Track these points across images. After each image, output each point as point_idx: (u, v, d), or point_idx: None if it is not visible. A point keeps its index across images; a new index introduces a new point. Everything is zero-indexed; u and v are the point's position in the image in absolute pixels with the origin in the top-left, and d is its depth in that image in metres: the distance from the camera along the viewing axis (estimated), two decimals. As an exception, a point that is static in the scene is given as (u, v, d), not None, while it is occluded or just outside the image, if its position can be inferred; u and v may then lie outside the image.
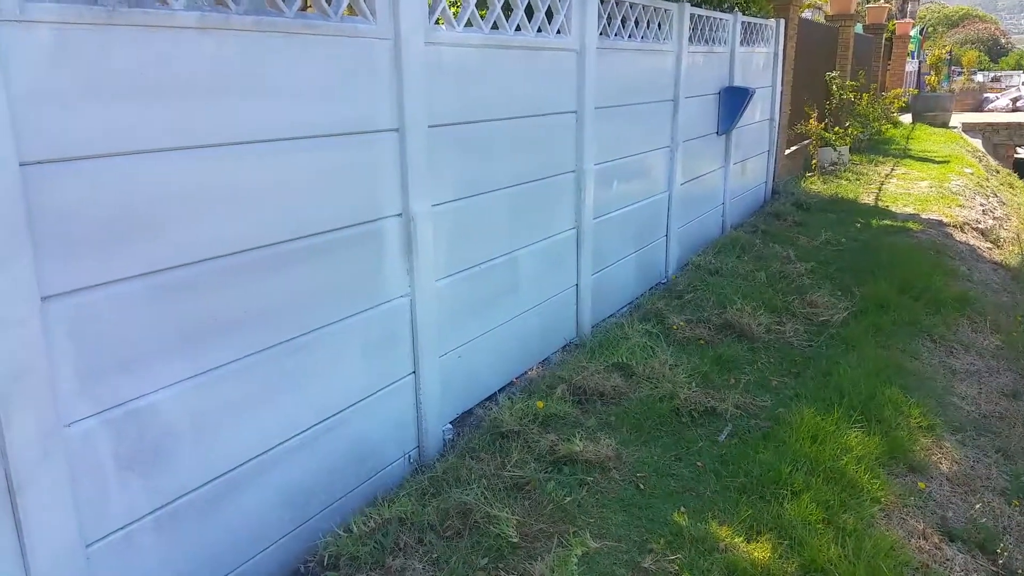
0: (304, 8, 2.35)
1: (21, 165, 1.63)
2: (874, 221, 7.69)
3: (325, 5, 2.36)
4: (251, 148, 2.17)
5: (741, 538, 2.65)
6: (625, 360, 3.91)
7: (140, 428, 1.95)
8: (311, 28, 2.30)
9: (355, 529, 2.50)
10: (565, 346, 4.22)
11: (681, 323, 4.53)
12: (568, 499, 2.78)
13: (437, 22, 2.90)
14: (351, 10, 2.51)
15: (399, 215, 2.78)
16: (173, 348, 2.02)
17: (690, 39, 5.35)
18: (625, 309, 4.90)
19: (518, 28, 3.38)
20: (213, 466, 2.17)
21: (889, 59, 19.67)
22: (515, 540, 2.52)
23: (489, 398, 3.55)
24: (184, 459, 2.08)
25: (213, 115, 2.05)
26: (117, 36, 1.79)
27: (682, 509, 2.80)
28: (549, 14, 3.64)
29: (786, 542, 2.64)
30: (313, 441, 2.51)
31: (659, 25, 4.90)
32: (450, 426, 3.26)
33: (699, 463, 3.13)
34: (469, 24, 3.07)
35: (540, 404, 3.34)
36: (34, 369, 1.69)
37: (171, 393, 2.02)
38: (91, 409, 1.84)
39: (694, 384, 3.71)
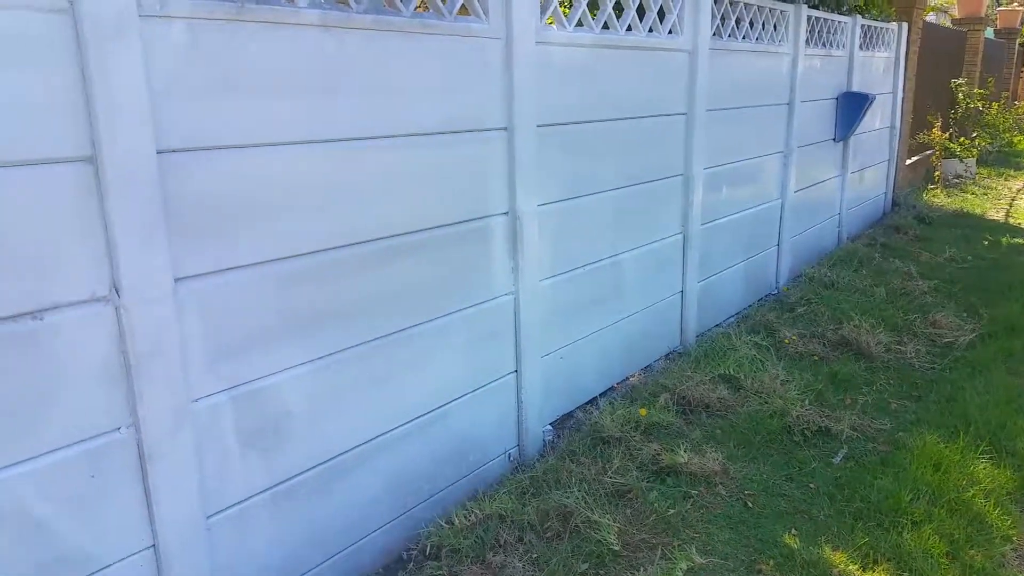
0: (418, 7, 2.41)
1: (158, 153, 1.73)
2: (1004, 239, 7.19)
3: (440, 4, 2.41)
4: (367, 144, 2.24)
5: (856, 566, 2.51)
6: (732, 372, 3.80)
7: (260, 408, 2.04)
8: (426, 27, 2.36)
9: (456, 522, 2.52)
10: (668, 354, 4.14)
11: (793, 337, 4.37)
12: (672, 511, 2.71)
13: (548, 22, 2.92)
14: (464, 10, 2.55)
15: (506, 213, 2.80)
16: (291, 333, 2.10)
17: (807, 41, 5.18)
18: (732, 319, 4.76)
19: (629, 28, 3.36)
20: (325, 449, 2.24)
21: (1023, 66, 18.45)
22: (616, 548, 2.48)
23: (589, 402, 3.51)
24: (299, 440, 2.15)
25: (331, 111, 2.12)
26: (245, 32, 1.89)
27: (793, 531, 2.69)
28: (661, 14, 3.60)
29: (905, 574, 2.49)
30: (418, 431, 2.55)
31: (774, 27, 4.76)
32: (550, 427, 3.25)
33: (812, 484, 2.99)
34: (580, 24, 3.08)
35: (643, 411, 3.28)
36: (167, 346, 1.79)
37: (289, 376, 2.10)
38: (216, 387, 1.93)
39: (807, 402, 3.56)
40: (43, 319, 1.60)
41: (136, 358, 1.73)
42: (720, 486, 2.92)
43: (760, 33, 4.60)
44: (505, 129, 2.73)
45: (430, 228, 2.50)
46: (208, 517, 1.95)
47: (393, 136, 2.32)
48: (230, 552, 2.01)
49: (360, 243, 2.26)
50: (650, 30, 3.51)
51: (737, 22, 4.33)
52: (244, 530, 2.05)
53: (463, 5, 2.51)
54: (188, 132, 1.80)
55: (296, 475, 2.16)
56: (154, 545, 1.84)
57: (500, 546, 2.45)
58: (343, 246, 2.21)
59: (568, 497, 2.65)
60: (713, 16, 3.97)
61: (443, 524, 2.52)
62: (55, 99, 1.55)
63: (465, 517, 2.54)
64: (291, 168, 2.05)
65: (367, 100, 2.22)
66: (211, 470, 1.94)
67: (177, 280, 1.81)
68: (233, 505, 2.01)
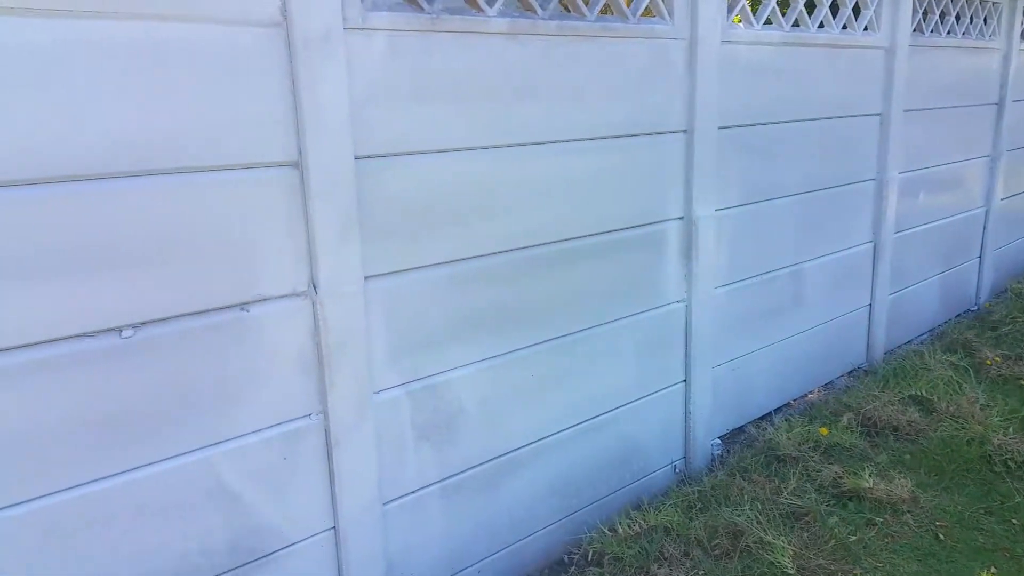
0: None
1: (356, 158, 1.83)
2: None
3: (624, 7, 2.39)
4: (548, 148, 2.26)
5: (1069, 612, 2.24)
6: (924, 393, 3.50)
7: (436, 403, 2.11)
8: (609, 31, 2.34)
9: (620, 530, 2.49)
10: (852, 371, 3.88)
11: (996, 358, 3.96)
12: (853, 538, 2.53)
13: (734, 20, 2.82)
14: (648, 11, 2.51)
15: (681, 218, 2.73)
16: (467, 332, 2.16)
17: (1023, 35, 4.68)
18: (925, 336, 4.39)
19: (820, 25, 3.17)
20: (494, 446, 2.28)
21: None
22: (791, 572, 2.35)
23: (762, 417, 3.36)
24: (470, 436, 2.21)
25: (514, 116, 2.16)
26: (437, 42, 1.95)
27: (992, 569, 2.43)
28: (856, 10, 3.37)
29: None
30: (583, 435, 2.55)
31: (984, 20, 4.33)
32: (719, 441, 3.14)
33: (1015, 520, 2.70)
34: (768, 22, 2.94)
35: (823, 431, 3.10)
36: (355, 340, 1.89)
37: (463, 373, 2.16)
38: (397, 380, 2.02)
39: (1011, 429, 3.21)
40: (249, 311, 1.74)
41: (328, 350, 1.84)
42: (908, 515, 2.70)
43: (968, 27, 4.20)
44: (685, 131, 2.66)
45: (604, 232, 2.48)
46: (384, 504, 2.04)
47: (571, 140, 2.32)
48: (402, 539, 2.10)
49: (536, 246, 2.29)
50: (843, 27, 3.30)
51: (941, 16, 3.98)
52: (416, 519, 2.13)
53: (647, 7, 2.48)
54: (382, 138, 1.89)
55: (466, 470, 2.22)
56: (335, 527, 1.95)
57: (665, 559, 2.39)
58: (520, 248, 2.24)
59: (739, 515, 2.55)
60: (914, 11, 3.67)
61: (606, 531, 2.50)
62: (267, 107, 1.68)
63: (629, 526, 2.50)
64: (474, 172, 2.10)
65: (548, 105, 2.23)
66: (388, 459, 2.03)
67: (367, 278, 1.90)
68: (407, 494, 2.09)
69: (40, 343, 1.46)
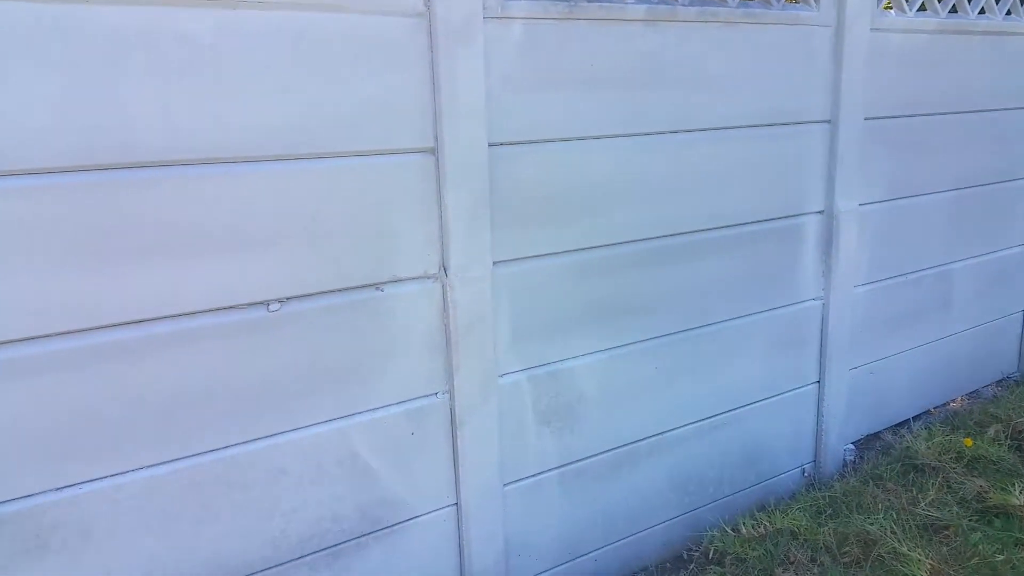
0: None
1: (489, 146, 1.87)
2: None
3: (767, -8, 2.31)
4: (682, 136, 2.22)
5: None
6: (1087, 408, 3.20)
7: (557, 389, 2.13)
8: (751, 17, 2.27)
9: (743, 530, 2.43)
10: (1001, 380, 3.60)
11: None
12: (999, 557, 2.36)
13: (884, 7, 2.66)
14: (792, -3, 2.42)
15: (820, 212, 2.62)
16: (590, 321, 2.16)
17: None
18: (1090, 348, 4.01)
19: (982, 11, 2.95)
20: (614, 436, 2.28)
21: None
22: (927, 586, 2.22)
23: (900, 424, 3.18)
24: (590, 425, 2.21)
25: (648, 104, 2.13)
26: (573, 30, 1.96)
27: None
28: (1025, -8, 3.11)
29: None
30: (707, 432, 2.49)
31: None
32: (851, 446, 3.00)
33: None
34: (923, 8, 2.76)
35: (968, 442, 2.89)
36: (482, 324, 1.93)
37: (585, 362, 2.17)
38: (519, 365, 2.05)
39: None
40: (383, 291, 1.81)
41: (456, 332, 1.89)
42: (1064, 540, 2.49)
43: None
44: (828, 122, 2.54)
45: (737, 225, 2.41)
46: (504, 485, 2.08)
47: (707, 129, 2.27)
48: (521, 521, 2.14)
49: (666, 236, 2.26)
50: (1008, 12, 3.05)
51: None
52: (535, 503, 2.16)
53: (791, -8, 2.38)
54: (515, 126, 1.91)
55: (585, 458, 2.23)
56: (457, 504, 2.01)
57: (791, 563, 2.31)
58: (649, 239, 2.22)
59: (872, 523, 2.43)
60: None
61: (728, 530, 2.45)
62: (407, 95, 1.74)
63: (753, 527, 2.44)
64: (605, 160, 2.09)
65: (683, 93, 2.19)
66: (509, 442, 2.07)
67: (495, 263, 1.94)
68: (527, 478, 2.13)
69: (197, 312, 1.58)
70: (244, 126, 1.55)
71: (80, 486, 1.51)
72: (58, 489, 1.49)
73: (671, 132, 2.20)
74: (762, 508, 2.61)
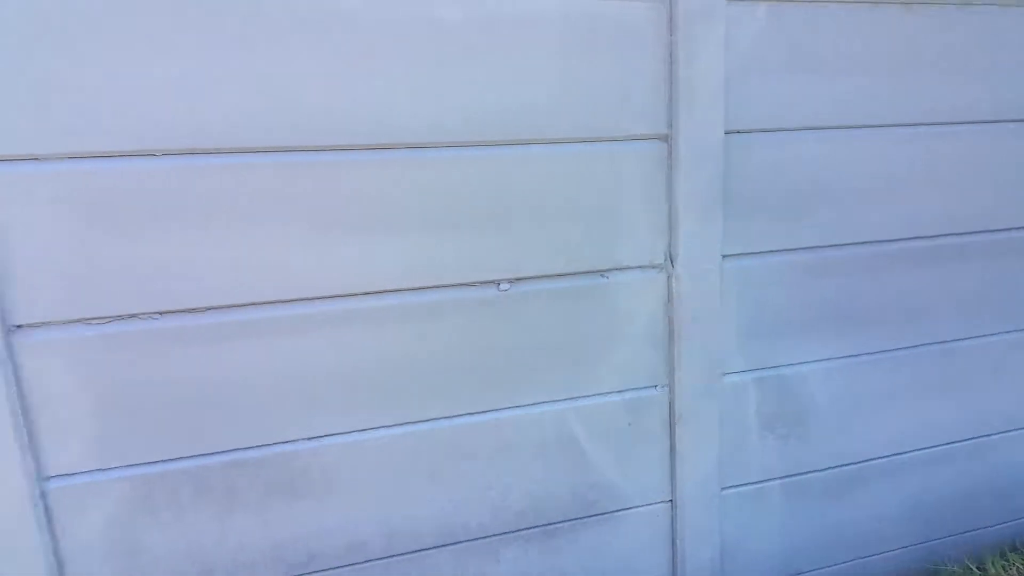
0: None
1: (725, 133, 1.81)
2: None
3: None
4: (939, 129, 2.02)
5: None
6: None
7: (783, 395, 2.02)
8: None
9: (991, 570, 2.17)
10: None
11: None
12: None
13: None
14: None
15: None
16: (823, 325, 2.02)
17: None
18: None
19: None
20: (846, 451, 2.12)
21: None
22: None
23: None
24: (819, 436, 2.08)
25: (902, 93, 1.96)
26: (822, 14, 1.85)
27: None
28: None
29: None
30: (949, 458, 2.25)
31: None
32: None
33: None
34: None
35: None
36: (707, 319, 1.88)
37: (815, 368, 2.04)
38: (744, 365, 1.97)
39: None
40: (607, 278, 1.81)
41: (679, 326, 1.85)
42: None
43: None
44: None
45: (1002, 230, 2.16)
46: (723, 489, 2.00)
47: (970, 123, 2.05)
48: (738, 527, 2.05)
49: (916, 239, 2.06)
50: None
51: None
52: (754, 510, 2.06)
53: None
54: (754, 114, 1.84)
55: (812, 471, 2.09)
56: (672, 500, 1.96)
57: (1047, 616, 2.03)
58: (896, 240, 2.05)
59: None
60: None
61: (973, 568, 2.19)
62: (643, 81, 1.73)
63: (1004, 568, 2.16)
64: (851, 153, 1.96)
65: (941, 81, 2.00)
66: (729, 445, 1.99)
67: (724, 256, 1.88)
68: (748, 484, 2.03)
69: (433, 287, 1.67)
70: (490, 109, 1.62)
71: (327, 438, 1.65)
72: (309, 439, 1.64)
73: (926, 124, 2.02)
74: (1014, 548, 2.31)
